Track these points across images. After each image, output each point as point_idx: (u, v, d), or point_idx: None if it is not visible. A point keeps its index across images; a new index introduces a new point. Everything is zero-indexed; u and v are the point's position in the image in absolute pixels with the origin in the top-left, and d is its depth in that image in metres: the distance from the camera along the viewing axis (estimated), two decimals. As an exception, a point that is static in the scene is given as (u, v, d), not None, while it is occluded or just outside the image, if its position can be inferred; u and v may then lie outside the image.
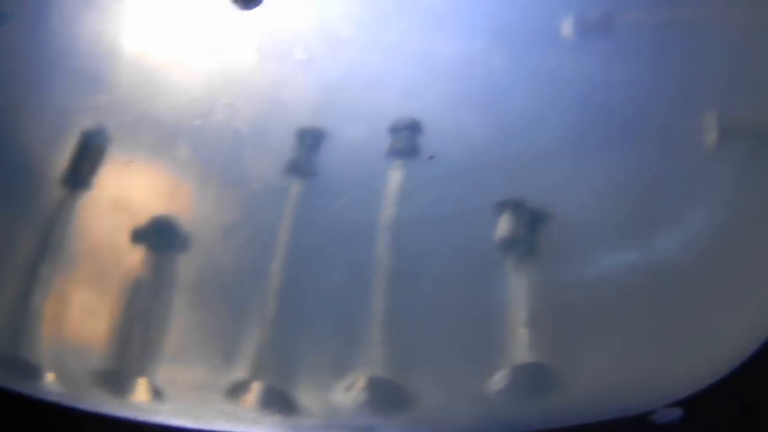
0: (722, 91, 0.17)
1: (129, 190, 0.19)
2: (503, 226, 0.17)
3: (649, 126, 0.17)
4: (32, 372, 0.19)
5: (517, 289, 0.16)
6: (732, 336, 0.18)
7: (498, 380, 0.16)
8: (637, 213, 0.17)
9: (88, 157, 0.20)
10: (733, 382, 0.18)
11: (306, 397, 0.17)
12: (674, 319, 0.17)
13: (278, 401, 0.17)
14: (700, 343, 0.17)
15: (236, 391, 0.17)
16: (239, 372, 0.17)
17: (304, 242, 0.18)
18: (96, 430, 0.24)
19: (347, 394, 0.17)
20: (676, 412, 0.22)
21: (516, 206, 0.17)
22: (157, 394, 0.18)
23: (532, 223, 0.17)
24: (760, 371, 0.22)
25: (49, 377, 0.19)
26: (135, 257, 0.18)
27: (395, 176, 0.18)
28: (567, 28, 0.19)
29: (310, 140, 0.19)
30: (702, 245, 0.17)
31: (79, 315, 0.18)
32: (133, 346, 0.17)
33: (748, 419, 0.23)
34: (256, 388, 0.17)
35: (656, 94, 0.18)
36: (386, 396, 0.17)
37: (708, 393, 0.19)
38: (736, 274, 0.17)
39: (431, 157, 0.18)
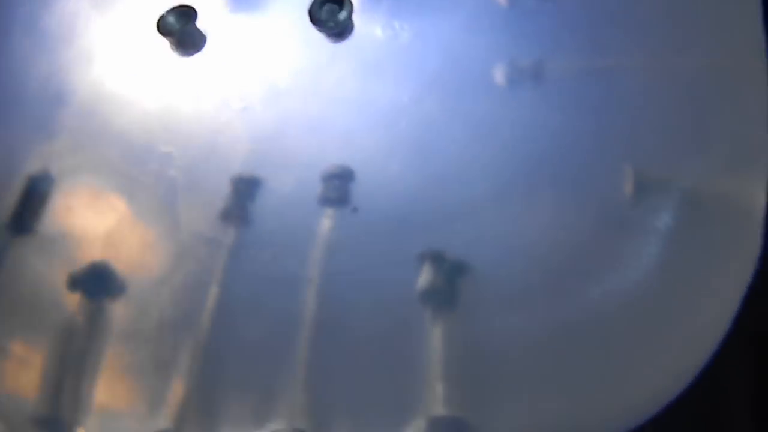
0: (640, 140, 0.18)
1: (67, 236, 0.20)
2: (423, 277, 0.17)
3: (571, 176, 0.18)
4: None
5: (435, 342, 0.17)
6: (645, 388, 0.18)
7: (414, 432, 0.17)
8: (555, 267, 0.17)
9: (32, 202, 0.21)
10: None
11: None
12: (590, 372, 0.17)
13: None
14: (614, 395, 0.18)
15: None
16: (163, 423, 0.17)
17: (233, 293, 0.18)
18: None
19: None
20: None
21: (436, 258, 0.17)
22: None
23: (451, 275, 0.17)
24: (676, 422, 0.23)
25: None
26: (71, 303, 0.19)
27: (324, 226, 0.19)
28: (499, 75, 0.20)
29: (244, 188, 0.20)
30: (617, 299, 0.17)
31: (15, 363, 0.18)
32: (66, 394, 0.18)
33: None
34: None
35: (578, 144, 0.18)
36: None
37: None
38: (650, 329, 0.17)
39: (354, 209, 0.18)
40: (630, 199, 0.17)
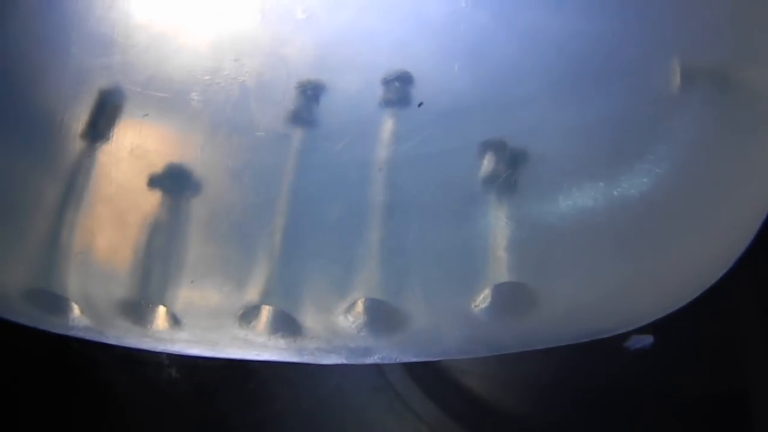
0: (683, 37, 0.19)
1: (145, 141, 0.21)
2: (486, 164, 0.19)
3: (617, 72, 0.19)
4: (61, 306, 0.21)
5: (498, 219, 0.18)
6: (697, 263, 0.19)
7: (481, 299, 0.18)
8: (607, 150, 0.19)
9: (105, 113, 0.22)
10: (700, 308, 0.20)
11: (310, 320, 0.19)
12: (643, 246, 0.18)
13: (285, 325, 0.19)
14: (667, 269, 0.19)
15: (248, 316, 0.19)
16: (250, 297, 0.19)
17: (306, 183, 0.19)
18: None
19: (347, 316, 0.19)
20: (648, 339, 0.24)
21: (497, 146, 0.19)
22: (175, 321, 0.20)
23: (512, 161, 0.19)
24: (725, 299, 0.24)
25: (76, 311, 0.21)
26: (152, 200, 0.20)
27: (388, 122, 0.20)
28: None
29: (310, 92, 0.21)
30: (668, 178, 0.18)
31: (103, 251, 0.20)
32: (153, 277, 0.19)
33: (714, 346, 0.25)
34: (265, 313, 0.19)
35: (623, 43, 0.20)
36: (381, 317, 0.19)
37: (677, 320, 0.21)
38: (699, 205, 0.19)
39: (420, 104, 0.20)
40: (677, 90, 0.19)
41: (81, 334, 0.22)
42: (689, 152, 0.18)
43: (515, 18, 0.21)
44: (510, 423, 0.28)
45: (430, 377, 0.28)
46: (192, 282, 0.19)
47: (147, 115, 0.21)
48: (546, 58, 0.20)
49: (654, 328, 0.21)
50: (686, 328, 0.23)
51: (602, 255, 0.18)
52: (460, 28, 0.21)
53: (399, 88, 0.20)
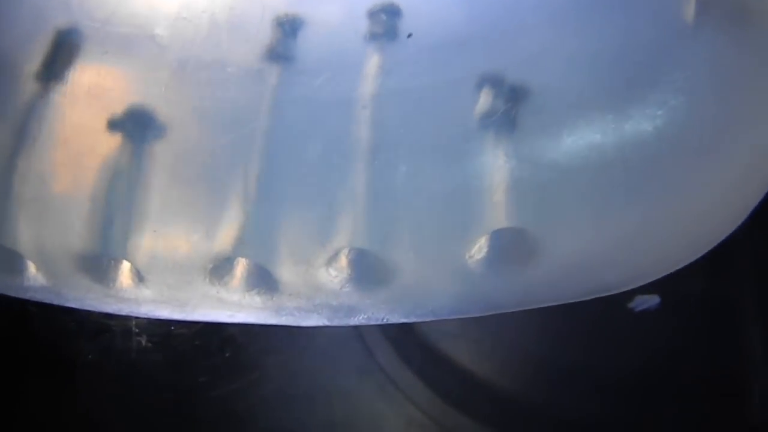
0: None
1: (104, 81, 0.19)
2: (482, 99, 0.17)
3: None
4: (14, 263, 0.19)
5: (496, 158, 0.16)
6: (714, 209, 0.18)
7: (477, 249, 0.16)
8: (616, 80, 0.17)
9: (61, 53, 0.20)
10: (709, 269, 0.19)
11: (288, 273, 0.17)
12: (656, 187, 0.17)
13: (261, 280, 0.17)
14: (682, 214, 0.17)
15: (219, 270, 0.17)
16: (221, 248, 0.17)
17: (283, 122, 0.17)
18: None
19: (329, 269, 0.17)
20: (654, 300, 0.22)
21: (494, 79, 0.17)
22: (139, 278, 0.18)
23: (510, 95, 0.17)
24: (735, 257, 0.23)
25: (31, 268, 0.19)
26: (112, 143, 0.18)
27: (373, 57, 0.18)
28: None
29: (288, 26, 0.19)
30: (680, 113, 0.17)
31: (59, 199, 0.18)
32: (113, 227, 0.17)
33: (722, 309, 0.23)
34: (239, 267, 0.17)
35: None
36: (367, 270, 0.17)
37: (684, 280, 0.19)
38: (717, 142, 0.17)
39: (409, 35, 0.18)
40: (692, 17, 0.17)
41: (38, 297, 0.20)
42: (706, 83, 0.17)
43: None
44: (504, 399, 0.26)
45: (419, 357, 0.27)
46: (155, 231, 0.17)
47: (107, 52, 0.19)
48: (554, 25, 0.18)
49: (659, 287, 0.20)
50: (694, 290, 0.21)
51: (611, 197, 0.17)
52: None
53: (385, 21, 0.19)
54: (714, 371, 0.24)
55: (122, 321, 0.24)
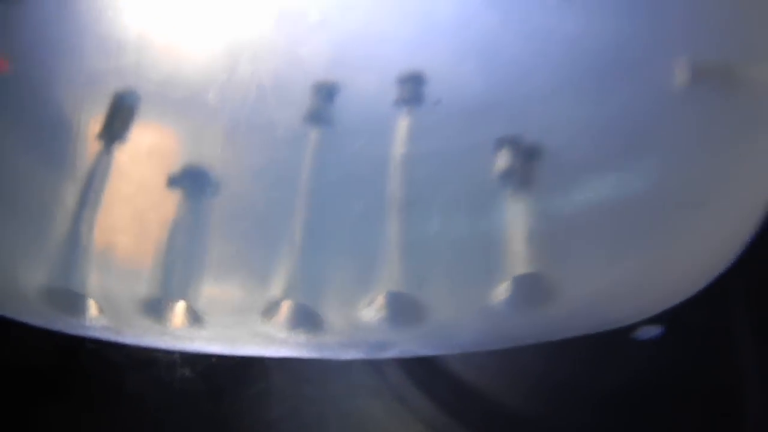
0: (691, 35, 0.20)
1: (162, 141, 0.21)
2: (501, 160, 0.19)
3: (627, 68, 0.20)
4: (79, 305, 0.21)
5: (515, 213, 0.19)
6: (705, 252, 0.20)
7: (500, 291, 0.18)
8: (619, 144, 0.19)
9: (120, 115, 0.22)
10: (709, 299, 0.21)
11: (331, 314, 0.19)
12: (655, 235, 0.19)
13: (306, 319, 0.19)
14: (676, 259, 0.20)
15: (270, 310, 0.19)
16: (272, 292, 0.19)
17: (325, 180, 0.20)
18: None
19: (368, 310, 0.19)
20: (657, 330, 0.24)
21: (512, 142, 0.19)
22: (196, 319, 0.20)
23: (526, 157, 0.19)
24: (732, 289, 0.25)
25: (94, 310, 0.21)
26: (172, 199, 0.20)
27: (403, 121, 0.20)
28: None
29: (326, 91, 0.21)
30: (677, 170, 0.19)
31: (124, 250, 0.20)
32: (174, 275, 0.19)
33: (722, 337, 0.25)
34: (287, 307, 0.19)
35: (632, 40, 0.20)
36: (402, 310, 0.19)
37: (686, 310, 0.21)
38: (706, 196, 0.19)
39: (437, 102, 0.20)
40: (685, 87, 0.19)
41: (98, 334, 0.22)
42: (697, 145, 0.19)
43: (526, 17, 0.22)
44: (514, 420, 0.28)
45: (428, 376, 0.29)
46: (215, 279, 0.19)
47: (164, 114, 0.22)
48: (557, 56, 0.21)
49: (663, 317, 0.22)
50: (695, 319, 0.24)
51: (616, 245, 0.19)
52: (471, 27, 0.22)
53: (413, 88, 0.21)
54: (708, 391, 0.26)
55: (167, 353, 0.25)
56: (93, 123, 0.22)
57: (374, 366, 0.27)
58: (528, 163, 0.19)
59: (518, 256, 0.18)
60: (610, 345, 0.24)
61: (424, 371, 0.28)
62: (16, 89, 0.23)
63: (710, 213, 0.20)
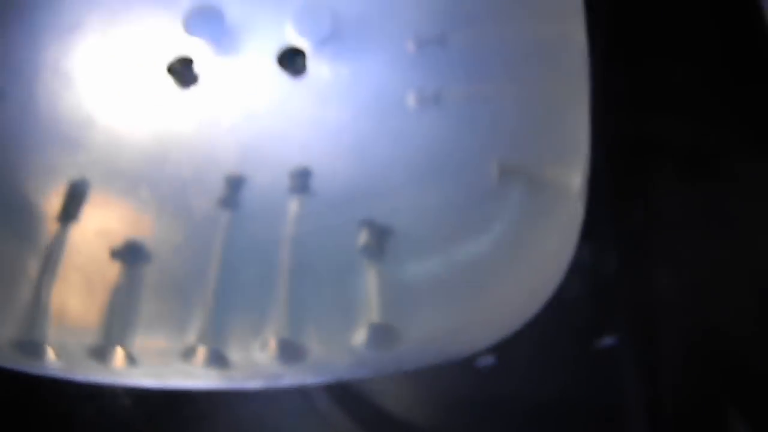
0: (503, 142, 0.27)
1: (107, 221, 0.28)
2: (362, 237, 0.26)
3: (457, 167, 0.27)
4: (40, 352, 0.27)
5: (371, 277, 0.25)
6: (519, 301, 0.27)
7: (360, 335, 0.25)
8: (451, 226, 0.26)
9: (74, 199, 0.28)
10: (535, 332, 0.28)
11: (235, 355, 0.25)
12: (480, 291, 0.26)
13: (216, 359, 0.25)
14: (498, 305, 0.27)
15: (188, 353, 0.25)
16: (190, 340, 0.25)
17: (232, 252, 0.26)
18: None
19: (263, 351, 0.25)
20: (491, 359, 0.31)
21: (370, 224, 0.26)
22: (131, 360, 0.26)
23: (380, 234, 0.26)
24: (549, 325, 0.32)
25: (52, 355, 0.27)
26: (114, 268, 0.26)
27: (293, 205, 0.27)
28: (411, 100, 0.29)
29: (234, 183, 0.28)
30: (496, 246, 0.26)
31: (76, 309, 0.26)
32: (114, 328, 0.25)
33: (551, 364, 0.32)
34: (201, 350, 0.25)
35: (464, 145, 0.27)
36: (288, 351, 0.25)
37: (515, 343, 0.28)
38: (517, 264, 0.26)
39: (316, 195, 0.27)
40: (498, 183, 0.27)
41: (54, 373, 0.28)
42: (511, 228, 0.26)
43: (389, 126, 0.29)
44: None
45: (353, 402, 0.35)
46: (145, 330, 0.25)
47: (109, 199, 0.28)
48: (408, 156, 0.28)
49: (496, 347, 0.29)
50: (525, 350, 0.31)
51: (450, 300, 0.26)
52: (348, 133, 0.29)
53: (301, 180, 0.28)
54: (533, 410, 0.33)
55: (110, 387, 0.31)
56: (51, 206, 0.28)
57: (301, 392, 0.34)
58: (380, 239, 0.26)
59: (373, 310, 0.25)
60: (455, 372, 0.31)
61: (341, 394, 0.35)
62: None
63: (520, 274, 0.27)
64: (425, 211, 0.27)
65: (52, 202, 0.28)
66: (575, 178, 0.27)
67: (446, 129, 0.28)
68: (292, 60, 0.29)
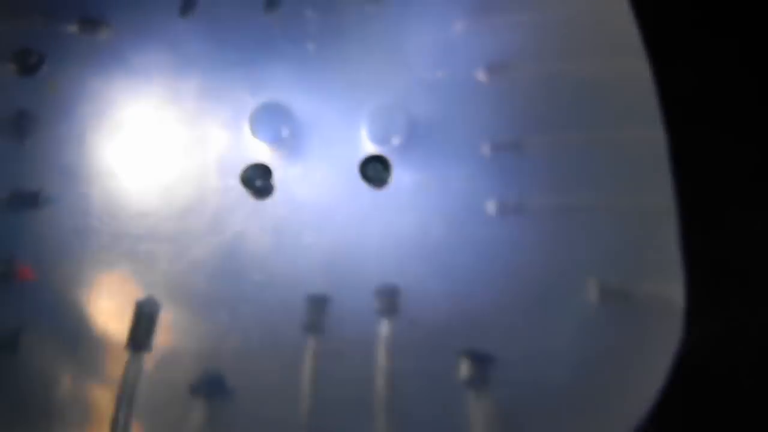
0: (602, 260, 0.26)
1: (182, 349, 0.26)
2: (463, 369, 0.25)
3: (547, 286, 0.26)
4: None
5: (474, 406, 0.24)
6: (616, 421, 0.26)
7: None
8: (548, 351, 0.25)
9: (143, 323, 0.26)
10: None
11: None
12: (585, 413, 0.25)
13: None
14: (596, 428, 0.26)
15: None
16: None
17: (322, 386, 0.25)
18: None
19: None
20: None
21: (470, 353, 0.25)
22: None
23: (481, 364, 0.25)
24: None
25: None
26: (192, 402, 0.25)
27: (383, 331, 0.26)
28: (491, 208, 0.28)
29: (318, 304, 0.26)
30: (597, 370, 0.25)
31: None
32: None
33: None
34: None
35: (554, 261, 0.26)
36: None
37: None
38: (618, 387, 0.25)
39: (411, 321, 0.25)
40: (596, 303, 0.26)
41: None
42: (611, 351, 0.25)
43: (472, 236, 0.28)
44: None
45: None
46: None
47: (180, 325, 0.26)
48: (496, 272, 0.27)
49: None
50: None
51: (555, 426, 0.25)
52: (434, 244, 0.27)
53: (389, 300, 0.26)
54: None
55: None
56: (119, 330, 0.26)
57: None
58: (482, 368, 0.25)
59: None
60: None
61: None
62: (41, 295, 0.27)
63: (617, 394, 0.26)
64: (520, 336, 0.25)
65: (119, 327, 0.26)
66: (676, 292, 0.26)
67: (532, 242, 0.27)
68: (373, 169, 0.28)
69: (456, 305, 0.26)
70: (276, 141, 0.29)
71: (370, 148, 0.29)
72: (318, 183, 0.28)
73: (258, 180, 0.28)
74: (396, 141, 0.29)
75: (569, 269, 0.27)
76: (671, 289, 0.26)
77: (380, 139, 0.29)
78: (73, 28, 0.31)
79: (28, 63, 0.30)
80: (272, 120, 0.29)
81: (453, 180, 0.29)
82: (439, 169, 0.29)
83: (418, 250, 0.27)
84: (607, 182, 0.28)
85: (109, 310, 0.27)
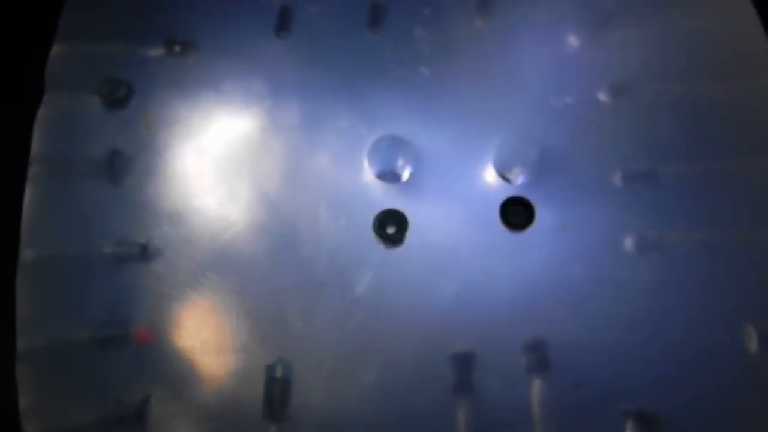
0: (757, 303, 0.25)
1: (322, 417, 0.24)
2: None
3: (698, 332, 0.25)
4: None
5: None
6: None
7: None
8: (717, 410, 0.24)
9: (278, 392, 0.24)
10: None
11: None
12: None
13: None
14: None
15: None
16: None
17: None
18: None
19: None
20: None
21: (637, 415, 0.24)
22: None
23: (649, 426, 0.24)
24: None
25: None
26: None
27: (535, 391, 0.24)
28: (629, 244, 0.26)
29: (464, 363, 0.24)
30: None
31: None
32: None
33: None
34: None
35: (703, 304, 0.25)
36: None
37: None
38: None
39: (578, 386, 0.24)
40: (755, 354, 0.24)
41: None
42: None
43: (612, 276, 0.26)
44: None
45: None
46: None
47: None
48: (644, 319, 0.25)
49: None
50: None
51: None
52: (576, 289, 0.26)
53: (539, 356, 0.25)
54: None
55: None
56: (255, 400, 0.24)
57: None
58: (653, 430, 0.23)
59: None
60: None
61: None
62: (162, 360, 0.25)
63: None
64: (677, 391, 0.24)
65: (254, 397, 0.24)
66: None
67: (676, 282, 0.25)
68: (514, 213, 0.26)
69: (609, 359, 0.25)
70: (396, 177, 0.27)
71: (498, 184, 0.27)
72: (447, 225, 0.26)
73: (391, 228, 0.25)
74: (527, 176, 0.27)
75: (721, 313, 0.25)
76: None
77: (511, 174, 0.27)
78: (159, 52, 0.28)
79: (117, 96, 0.27)
80: (392, 154, 0.27)
81: (588, 216, 0.27)
82: (572, 204, 0.27)
83: (562, 297, 0.25)
84: (752, 215, 0.27)
85: (237, 374, 0.25)
